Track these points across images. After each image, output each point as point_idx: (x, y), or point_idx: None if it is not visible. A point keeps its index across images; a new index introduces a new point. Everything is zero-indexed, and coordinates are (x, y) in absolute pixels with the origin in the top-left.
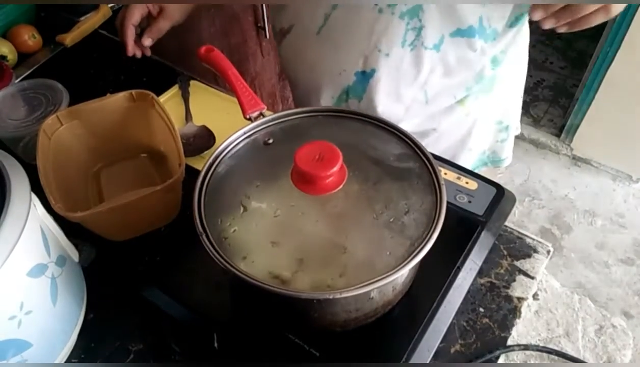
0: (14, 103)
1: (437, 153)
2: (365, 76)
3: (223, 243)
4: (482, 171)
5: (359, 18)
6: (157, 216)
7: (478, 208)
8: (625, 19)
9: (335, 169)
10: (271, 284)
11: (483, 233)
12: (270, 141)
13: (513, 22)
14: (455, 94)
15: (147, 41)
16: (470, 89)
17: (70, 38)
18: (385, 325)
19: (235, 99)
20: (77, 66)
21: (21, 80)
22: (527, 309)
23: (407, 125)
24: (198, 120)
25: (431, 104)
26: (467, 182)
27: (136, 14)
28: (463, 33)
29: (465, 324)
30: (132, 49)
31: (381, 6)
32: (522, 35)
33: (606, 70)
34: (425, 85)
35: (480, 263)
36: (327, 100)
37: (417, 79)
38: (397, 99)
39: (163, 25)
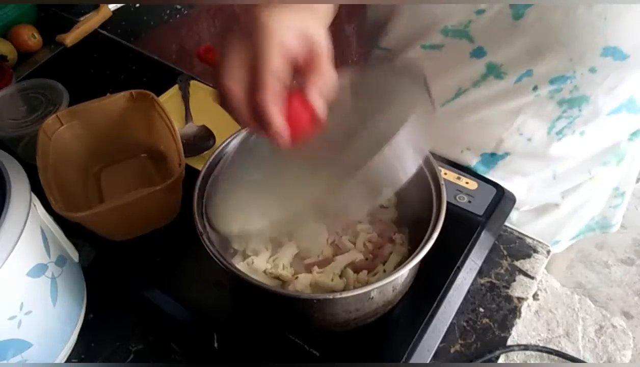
0: (14, 103)
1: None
2: (494, 158)
3: (223, 243)
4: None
5: (506, 99)
6: (157, 216)
7: (478, 208)
8: None
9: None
10: (271, 285)
11: (483, 233)
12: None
13: None
14: (591, 170)
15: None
16: (607, 163)
17: (70, 38)
18: (385, 325)
19: None
20: (77, 66)
21: (21, 80)
22: (527, 309)
23: (527, 203)
24: (198, 120)
25: (560, 182)
26: (467, 182)
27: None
28: (616, 111)
29: (465, 324)
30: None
31: (536, 83)
32: None
33: None
34: (559, 165)
35: (480, 263)
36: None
37: (553, 161)
38: (522, 177)
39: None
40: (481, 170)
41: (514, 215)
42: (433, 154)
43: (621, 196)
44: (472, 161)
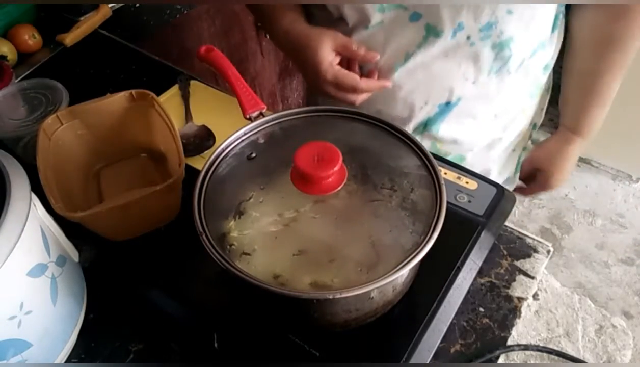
0: (14, 103)
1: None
2: (449, 106)
3: (223, 243)
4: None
5: (448, 55)
6: (157, 216)
7: (478, 208)
8: None
9: (335, 169)
10: (271, 284)
11: (483, 233)
12: (270, 141)
13: (553, 28)
14: (522, 103)
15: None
16: (533, 95)
17: (70, 38)
18: (385, 325)
19: (235, 99)
20: (77, 66)
21: (21, 80)
22: (527, 309)
23: (478, 140)
24: (198, 120)
25: (500, 118)
26: (467, 182)
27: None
28: (536, 50)
29: (465, 324)
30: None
31: (469, 34)
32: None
33: None
34: (499, 103)
35: (480, 263)
36: (410, 128)
37: (495, 101)
38: (472, 120)
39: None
40: (439, 119)
41: (468, 155)
42: (433, 154)
43: (534, 128)
44: (432, 112)
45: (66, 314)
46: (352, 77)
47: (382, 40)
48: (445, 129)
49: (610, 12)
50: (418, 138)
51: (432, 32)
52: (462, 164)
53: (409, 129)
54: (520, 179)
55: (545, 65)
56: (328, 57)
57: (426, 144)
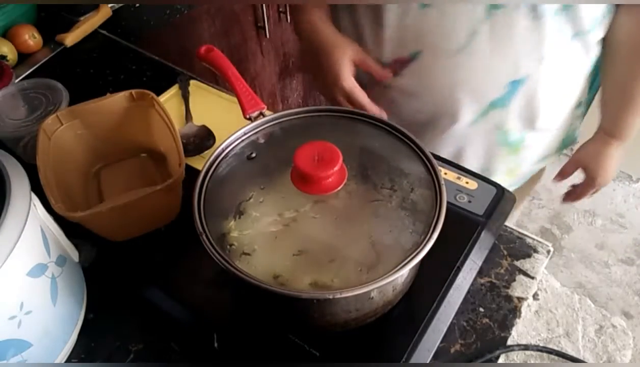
0: (14, 103)
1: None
2: (516, 84)
3: (223, 243)
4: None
5: (511, 28)
6: (157, 216)
7: (478, 208)
8: None
9: (335, 169)
10: (271, 284)
11: (483, 233)
12: (270, 141)
13: None
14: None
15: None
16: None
17: (70, 38)
18: (385, 325)
19: (235, 99)
20: (77, 66)
21: (21, 80)
22: (527, 309)
23: (542, 123)
24: (198, 120)
25: (568, 95)
26: (467, 182)
27: (349, 70)
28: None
29: (465, 324)
30: (378, 110)
31: (540, 12)
32: None
33: None
34: (567, 78)
35: (480, 263)
36: (466, 119)
37: (563, 74)
38: (543, 97)
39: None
40: (507, 99)
41: (527, 136)
42: (433, 154)
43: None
44: (500, 92)
45: (66, 314)
46: (363, 98)
47: (439, 19)
48: (514, 105)
49: None
50: (482, 119)
51: (495, 7)
52: (521, 146)
53: (475, 111)
54: (559, 180)
55: (597, 41)
56: (347, 70)
57: (490, 125)
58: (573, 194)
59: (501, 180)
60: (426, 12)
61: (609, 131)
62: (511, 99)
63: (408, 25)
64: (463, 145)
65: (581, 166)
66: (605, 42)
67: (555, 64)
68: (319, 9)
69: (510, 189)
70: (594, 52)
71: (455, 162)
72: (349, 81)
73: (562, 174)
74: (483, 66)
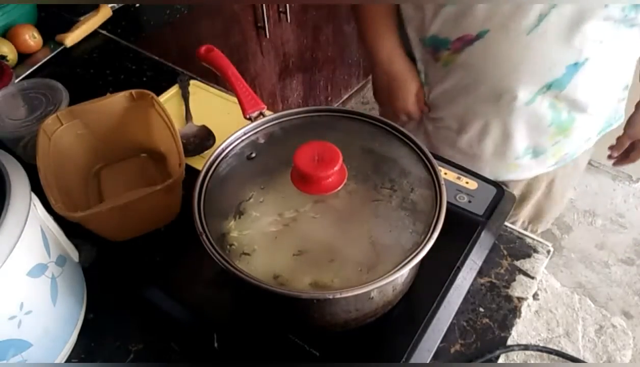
0: (14, 103)
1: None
2: (577, 66)
3: (223, 243)
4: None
5: (580, 12)
6: (157, 216)
7: (478, 208)
8: None
9: (335, 169)
10: (271, 284)
11: (483, 233)
12: (270, 141)
13: None
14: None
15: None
16: None
17: (70, 38)
18: (385, 325)
19: (235, 99)
20: (77, 66)
21: (21, 80)
22: (527, 309)
23: (594, 108)
24: (198, 120)
25: (620, 77)
26: (467, 182)
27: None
28: None
29: (465, 324)
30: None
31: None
32: None
33: None
34: (623, 62)
35: (480, 263)
36: (524, 97)
37: (619, 59)
38: (600, 82)
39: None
40: (565, 82)
41: (578, 118)
42: (433, 154)
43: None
44: (559, 74)
45: (66, 314)
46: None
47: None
48: (570, 88)
49: None
50: (538, 99)
51: None
52: (572, 127)
53: (532, 90)
54: (617, 154)
55: None
56: (413, 99)
57: (544, 105)
58: (626, 158)
59: (548, 160)
60: None
61: None
62: (569, 82)
63: (480, 8)
64: (516, 122)
65: (636, 138)
66: None
67: (612, 49)
68: (390, 39)
69: (554, 168)
70: None
71: (506, 139)
72: (414, 107)
73: (618, 147)
74: (547, 49)
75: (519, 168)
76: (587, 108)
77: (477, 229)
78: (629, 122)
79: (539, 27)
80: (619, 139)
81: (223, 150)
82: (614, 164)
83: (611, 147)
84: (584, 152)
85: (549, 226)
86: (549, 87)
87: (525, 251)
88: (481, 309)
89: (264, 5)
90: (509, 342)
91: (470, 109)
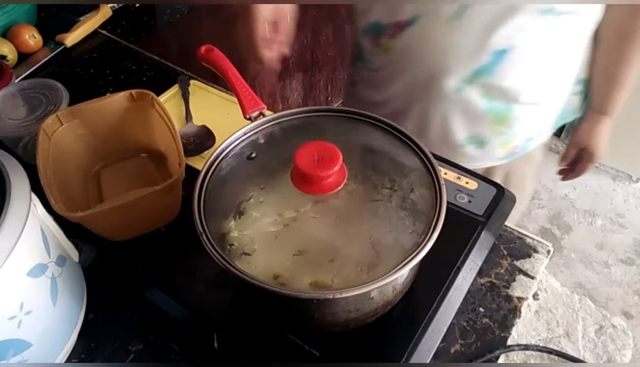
0: (14, 103)
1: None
2: (502, 54)
3: (223, 243)
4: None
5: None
6: (157, 216)
7: (478, 208)
8: None
9: (335, 169)
10: (271, 284)
11: (483, 233)
12: (270, 141)
13: None
14: (577, 58)
15: (286, 48)
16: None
17: (70, 38)
18: (385, 325)
19: (235, 99)
20: (77, 66)
21: (21, 80)
22: (527, 309)
23: (527, 96)
24: (198, 120)
25: (551, 67)
26: (467, 182)
27: (262, 24)
28: None
29: (465, 324)
30: (276, 62)
31: None
32: None
33: None
34: (552, 52)
35: (480, 263)
36: (452, 83)
37: (549, 48)
38: (527, 70)
39: (288, 23)
40: (492, 68)
41: (515, 108)
42: (433, 154)
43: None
44: (486, 60)
45: (66, 314)
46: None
47: None
48: (497, 75)
49: (631, 10)
50: (469, 86)
51: None
52: (510, 117)
53: (461, 77)
54: (566, 164)
55: (595, 19)
56: (261, 25)
57: (476, 93)
58: (572, 172)
59: (496, 151)
60: None
61: (598, 109)
62: (495, 69)
63: None
64: (451, 109)
65: (580, 146)
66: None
67: (540, 37)
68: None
69: (505, 161)
70: (589, 31)
71: (445, 125)
72: (259, 51)
73: (565, 158)
74: (472, 35)
75: (466, 157)
76: (519, 97)
77: (477, 229)
78: (575, 129)
79: (465, 13)
80: (566, 149)
81: (223, 150)
82: (562, 179)
83: (560, 159)
84: (539, 146)
85: (515, 220)
86: (476, 74)
87: (525, 251)
88: (481, 309)
89: None
90: (509, 342)
91: (410, 94)
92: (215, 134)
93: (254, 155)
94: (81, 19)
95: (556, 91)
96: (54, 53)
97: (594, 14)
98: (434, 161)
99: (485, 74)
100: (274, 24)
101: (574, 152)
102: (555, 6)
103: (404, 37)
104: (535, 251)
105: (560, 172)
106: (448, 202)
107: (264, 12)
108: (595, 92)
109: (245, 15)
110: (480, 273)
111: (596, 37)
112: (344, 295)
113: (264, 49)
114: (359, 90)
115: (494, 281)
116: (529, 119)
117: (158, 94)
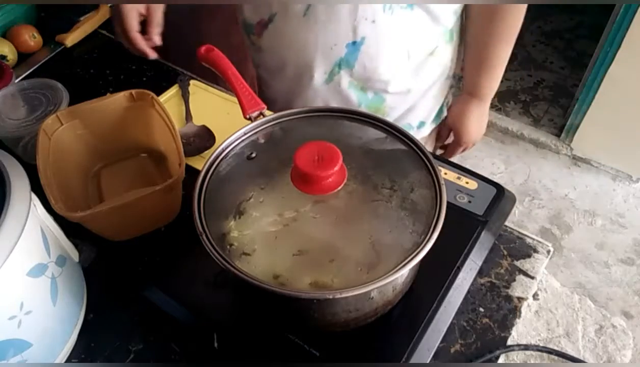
0: (14, 103)
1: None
2: (356, 45)
3: (223, 243)
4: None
5: None
6: (157, 216)
7: (478, 208)
8: (625, 19)
9: (335, 169)
10: (271, 284)
11: (483, 233)
12: (270, 141)
13: None
14: (435, 49)
15: (158, 39)
16: (446, 41)
17: (70, 38)
18: (385, 325)
19: (235, 99)
20: (77, 66)
21: (21, 80)
22: (527, 309)
23: (395, 86)
24: (198, 120)
25: (411, 58)
26: (467, 182)
27: (134, 19)
28: None
29: (465, 324)
30: (151, 52)
31: None
32: None
33: (606, 70)
34: (409, 42)
35: (480, 263)
36: (320, 77)
37: (401, 39)
38: (385, 61)
39: (158, 16)
40: (351, 58)
41: (387, 98)
42: (433, 154)
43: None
44: (342, 53)
45: (66, 314)
46: (139, 41)
47: None
48: (359, 66)
49: None
50: (336, 78)
51: None
52: (383, 107)
53: (325, 70)
54: (439, 145)
55: (453, 10)
56: (132, 16)
57: (344, 85)
58: (445, 153)
59: None
60: None
61: (468, 91)
62: (355, 60)
63: None
64: (330, 102)
65: (450, 127)
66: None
67: (393, 29)
68: None
69: None
70: (447, 22)
71: None
72: (130, 25)
73: (439, 138)
74: (323, 28)
75: None
76: (388, 87)
77: (477, 229)
78: (448, 109)
79: (312, 7)
80: (440, 129)
81: (223, 150)
82: (441, 155)
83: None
84: (425, 137)
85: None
86: (339, 66)
87: (525, 251)
88: (481, 309)
89: None
90: (509, 342)
91: (289, 88)
92: (215, 134)
93: (254, 155)
94: (81, 19)
95: (428, 81)
96: (54, 53)
97: (448, 17)
98: (434, 161)
99: (346, 66)
100: (145, 17)
101: (446, 133)
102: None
103: (267, 35)
104: (535, 251)
105: (438, 153)
106: (448, 202)
107: (136, 7)
108: (465, 74)
109: (118, 10)
110: (480, 273)
111: (465, 21)
112: (344, 295)
113: (138, 41)
114: (264, 91)
115: (494, 281)
116: (403, 108)
117: (158, 94)
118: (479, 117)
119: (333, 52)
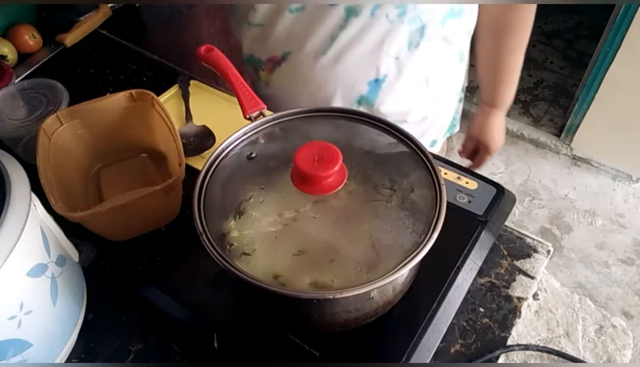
0: (14, 103)
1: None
2: (378, 83)
3: (223, 243)
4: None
5: (369, 33)
6: (157, 216)
7: (478, 208)
8: (625, 19)
9: (335, 169)
10: (271, 284)
11: (483, 233)
12: (270, 141)
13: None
14: (453, 71)
15: None
16: (462, 60)
17: (70, 38)
18: (385, 325)
19: (235, 99)
20: (77, 66)
21: (21, 80)
22: (527, 309)
23: (414, 115)
24: (198, 120)
25: (431, 85)
26: (467, 182)
27: None
28: (446, 18)
29: (465, 324)
30: None
31: (387, 12)
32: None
33: (606, 70)
34: (429, 71)
35: (480, 263)
36: None
37: (421, 70)
38: (406, 92)
39: None
40: (372, 97)
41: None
42: (433, 154)
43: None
44: (364, 90)
45: (66, 314)
46: None
47: (306, 24)
48: (379, 102)
49: (504, 4)
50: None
51: (352, 12)
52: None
53: (349, 103)
54: (466, 157)
55: (468, 31)
56: None
57: None
58: (473, 165)
59: None
60: (295, 16)
61: (488, 102)
62: (376, 97)
63: (280, 29)
64: None
65: (476, 139)
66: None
67: (415, 62)
68: None
69: None
70: (461, 45)
71: None
72: None
73: (464, 151)
74: (344, 67)
75: None
76: (407, 117)
77: (477, 229)
78: (470, 124)
79: (332, 46)
80: (464, 142)
81: (223, 150)
82: (470, 167)
83: (459, 152)
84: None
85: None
86: (359, 102)
87: (525, 251)
88: (481, 309)
89: None
90: (509, 342)
91: None
92: (215, 134)
93: (254, 155)
94: (81, 19)
95: (442, 104)
96: (54, 53)
97: (463, 39)
98: (434, 161)
99: (366, 102)
100: None
101: (470, 145)
102: (426, 35)
103: (280, 72)
104: (535, 251)
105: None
106: (448, 202)
107: None
108: (483, 86)
109: None
110: (480, 273)
111: (478, 33)
112: (344, 295)
113: None
114: None
115: (494, 281)
116: (420, 134)
117: (158, 94)
118: (500, 125)
119: (354, 90)
